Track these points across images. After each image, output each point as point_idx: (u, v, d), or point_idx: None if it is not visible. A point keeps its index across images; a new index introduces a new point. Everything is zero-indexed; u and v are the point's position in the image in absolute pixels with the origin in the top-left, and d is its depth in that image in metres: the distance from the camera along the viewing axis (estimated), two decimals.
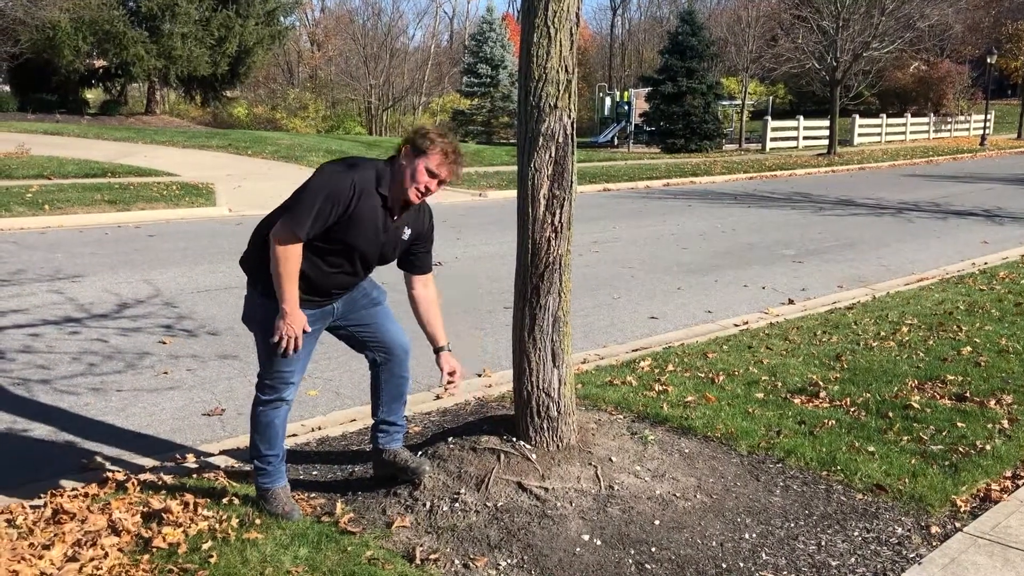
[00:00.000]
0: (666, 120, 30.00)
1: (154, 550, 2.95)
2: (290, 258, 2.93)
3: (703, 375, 5.10)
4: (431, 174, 3.01)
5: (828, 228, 12.22)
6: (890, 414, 4.39)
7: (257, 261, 3.10)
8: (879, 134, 35.91)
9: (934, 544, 3.16)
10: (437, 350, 3.39)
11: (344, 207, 2.94)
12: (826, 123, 29.46)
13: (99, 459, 3.96)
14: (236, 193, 14.41)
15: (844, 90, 28.90)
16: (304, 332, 3.08)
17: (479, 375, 5.26)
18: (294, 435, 4.13)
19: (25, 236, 10.33)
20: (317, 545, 3.03)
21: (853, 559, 3.06)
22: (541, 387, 3.48)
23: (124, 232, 10.91)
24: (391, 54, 47.40)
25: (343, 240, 3.01)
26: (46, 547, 2.93)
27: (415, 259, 3.31)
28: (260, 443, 3.26)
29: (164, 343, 5.92)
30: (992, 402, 4.59)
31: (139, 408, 4.71)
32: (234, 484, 3.51)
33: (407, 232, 3.19)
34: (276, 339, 3.01)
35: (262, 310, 3.09)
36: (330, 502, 3.38)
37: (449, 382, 3.39)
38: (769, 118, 32.64)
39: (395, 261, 3.29)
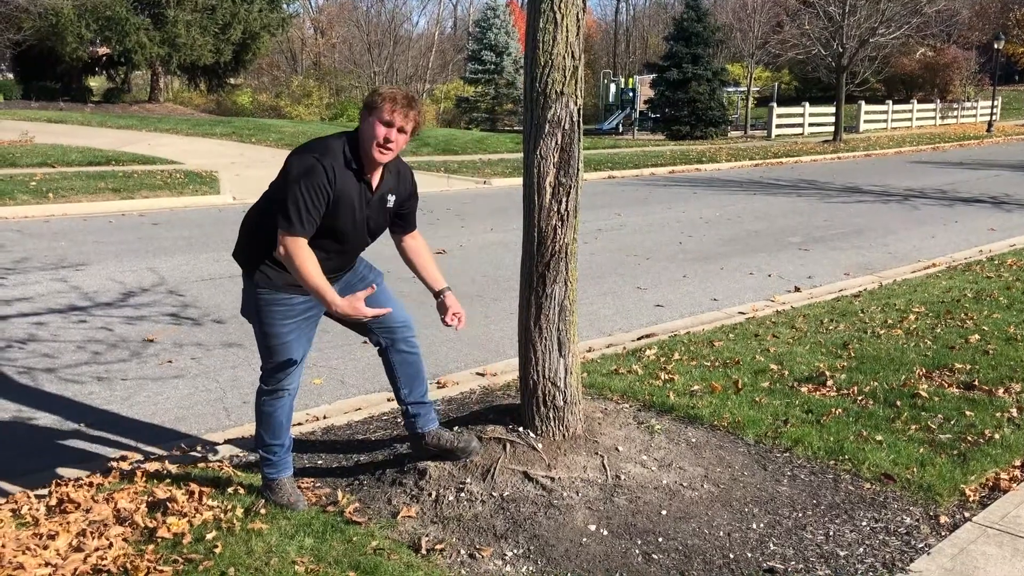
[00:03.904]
0: (671, 107, 29.90)
1: (159, 540, 2.94)
2: (305, 257, 2.89)
3: (709, 364, 5.07)
4: (387, 124, 2.92)
5: (834, 215, 12.16)
6: (898, 403, 4.37)
7: (248, 252, 3.09)
8: (885, 121, 35.71)
9: (943, 534, 3.14)
10: (437, 294, 3.26)
11: (327, 192, 2.90)
12: (832, 110, 29.29)
13: (104, 448, 3.96)
14: (240, 181, 14.37)
15: (850, 76, 28.75)
16: (306, 319, 3.11)
17: (480, 374, 5.24)
18: (299, 424, 4.12)
19: (29, 224, 10.33)
20: (322, 535, 3.02)
21: (861, 549, 3.04)
22: (547, 376, 3.46)
23: (128, 220, 10.90)
24: (395, 41, 47.18)
25: (328, 224, 2.97)
26: (51, 537, 2.92)
27: (401, 221, 3.27)
28: (264, 433, 3.24)
29: (168, 331, 5.91)
30: (1001, 390, 4.55)
31: (144, 397, 4.71)
32: (239, 473, 3.50)
33: (391, 199, 3.13)
34: (368, 317, 2.93)
35: (257, 301, 3.07)
36: (335, 492, 3.37)
37: (451, 322, 3.22)
38: (774, 105, 32.47)
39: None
